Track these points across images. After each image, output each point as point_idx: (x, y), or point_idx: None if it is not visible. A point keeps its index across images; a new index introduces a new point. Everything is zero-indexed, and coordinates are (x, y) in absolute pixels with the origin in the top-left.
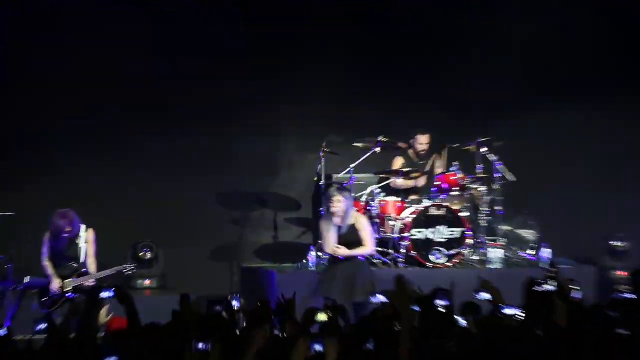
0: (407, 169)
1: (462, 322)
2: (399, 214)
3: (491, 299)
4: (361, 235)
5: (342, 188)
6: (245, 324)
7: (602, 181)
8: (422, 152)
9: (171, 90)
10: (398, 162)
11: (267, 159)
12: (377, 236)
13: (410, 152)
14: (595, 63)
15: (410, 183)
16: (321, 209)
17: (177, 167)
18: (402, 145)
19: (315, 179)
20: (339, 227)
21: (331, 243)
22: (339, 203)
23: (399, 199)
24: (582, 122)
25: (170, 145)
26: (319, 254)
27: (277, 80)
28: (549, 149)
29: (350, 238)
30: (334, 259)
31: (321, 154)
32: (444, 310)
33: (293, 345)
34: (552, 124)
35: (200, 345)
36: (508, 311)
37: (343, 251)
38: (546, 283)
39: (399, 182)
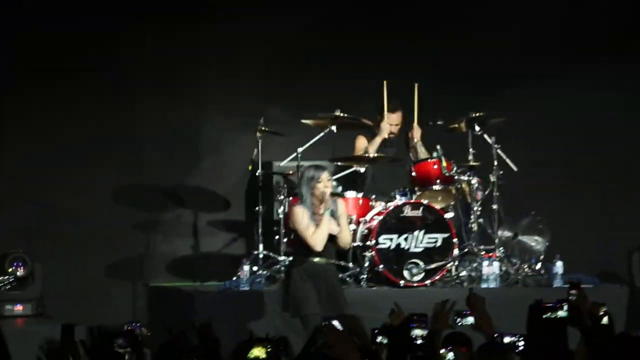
0: (376, 154)
1: (450, 357)
2: (362, 215)
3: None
4: (341, 223)
5: (318, 165)
6: None
7: (637, 174)
8: (391, 135)
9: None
10: (362, 143)
11: (183, 143)
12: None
13: (377, 129)
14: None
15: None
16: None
17: (59, 155)
18: (366, 122)
19: (250, 167)
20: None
21: (323, 237)
22: (329, 182)
23: (361, 196)
24: (613, 88)
25: (48, 125)
26: (285, 258)
27: (196, 35)
28: (565, 129)
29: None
30: (310, 267)
31: (257, 135)
32: (421, 342)
33: None
34: (570, 95)
35: None
36: (506, 339)
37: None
38: (560, 308)
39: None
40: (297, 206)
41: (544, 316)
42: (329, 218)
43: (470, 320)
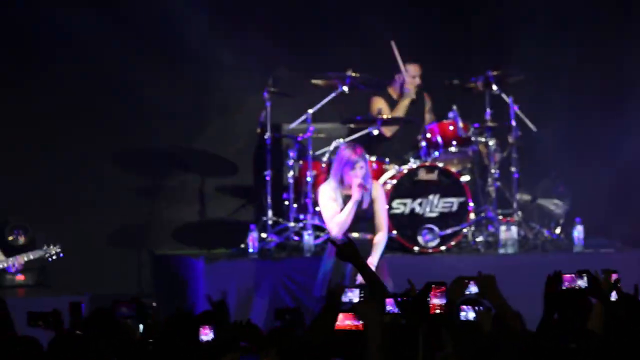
0: (391, 115)
1: (468, 314)
2: (375, 179)
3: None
4: (377, 210)
5: (354, 144)
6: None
7: None
8: (415, 88)
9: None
10: (377, 104)
11: (188, 105)
12: None
13: (392, 90)
14: None
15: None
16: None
17: (59, 119)
18: (394, 79)
19: (258, 130)
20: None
21: (342, 224)
22: (362, 170)
23: (375, 159)
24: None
25: (48, 89)
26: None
27: None
28: (588, 88)
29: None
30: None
31: (266, 96)
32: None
33: None
34: (593, 53)
35: None
36: None
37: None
38: (580, 277)
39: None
40: (325, 185)
41: (563, 287)
42: (354, 206)
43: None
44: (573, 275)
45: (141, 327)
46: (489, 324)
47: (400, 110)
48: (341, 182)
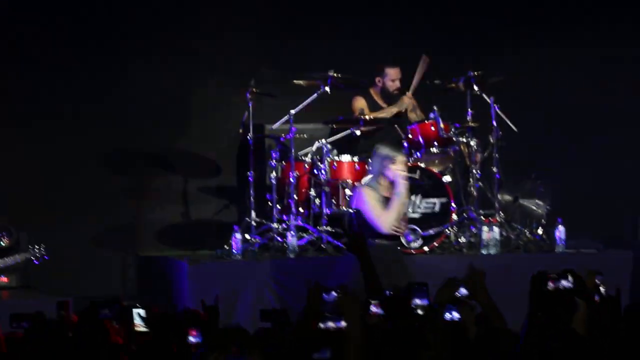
0: (372, 115)
1: (452, 315)
2: (356, 180)
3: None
4: (392, 203)
5: (395, 146)
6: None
7: None
8: (394, 91)
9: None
10: (359, 104)
11: (171, 105)
12: (327, 210)
13: (373, 91)
14: None
15: (393, 110)
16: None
17: (43, 121)
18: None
19: (241, 130)
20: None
21: (392, 220)
22: (402, 163)
23: (357, 159)
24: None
25: (31, 90)
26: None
27: None
28: (566, 89)
29: None
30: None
31: (248, 97)
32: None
33: None
34: (571, 55)
35: None
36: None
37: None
38: (564, 277)
39: (382, 115)
40: (365, 186)
41: (548, 287)
42: (400, 201)
43: (464, 291)
44: (558, 274)
45: (139, 315)
46: (473, 324)
47: (386, 113)
48: (381, 179)
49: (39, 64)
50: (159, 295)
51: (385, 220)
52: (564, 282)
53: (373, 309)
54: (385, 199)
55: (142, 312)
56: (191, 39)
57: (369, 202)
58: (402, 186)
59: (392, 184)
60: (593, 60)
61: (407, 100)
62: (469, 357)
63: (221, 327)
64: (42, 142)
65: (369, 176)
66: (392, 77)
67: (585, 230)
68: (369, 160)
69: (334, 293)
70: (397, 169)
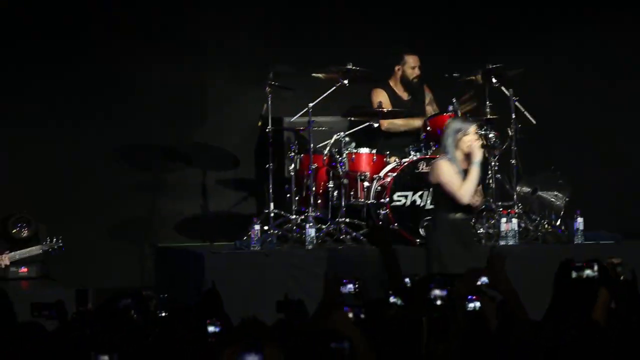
0: (393, 109)
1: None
2: (375, 172)
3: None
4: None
5: (466, 119)
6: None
7: None
8: (414, 79)
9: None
10: (378, 97)
11: (189, 98)
12: (345, 202)
13: (392, 81)
14: None
15: (415, 123)
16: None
17: (62, 116)
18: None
19: (260, 123)
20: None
21: (472, 190)
22: (476, 134)
23: (375, 152)
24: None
25: (50, 82)
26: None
27: None
28: (587, 80)
29: None
30: (455, 222)
31: (267, 90)
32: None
33: None
34: (594, 44)
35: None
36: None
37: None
38: (590, 267)
39: (398, 122)
40: (442, 159)
41: (573, 275)
42: (477, 170)
43: (485, 281)
44: (583, 263)
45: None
46: (494, 315)
47: (403, 123)
48: (455, 152)
49: (53, 58)
50: (178, 286)
51: (465, 191)
52: (588, 271)
53: (392, 299)
54: (464, 171)
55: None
56: (208, 31)
57: (448, 175)
58: (478, 156)
59: (467, 155)
60: (611, 53)
61: (426, 91)
62: (490, 347)
63: (239, 319)
64: (62, 137)
65: (444, 150)
66: (411, 64)
67: (604, 221)
68: (443, 136)
69: (351, 285)
70: (471, 140)
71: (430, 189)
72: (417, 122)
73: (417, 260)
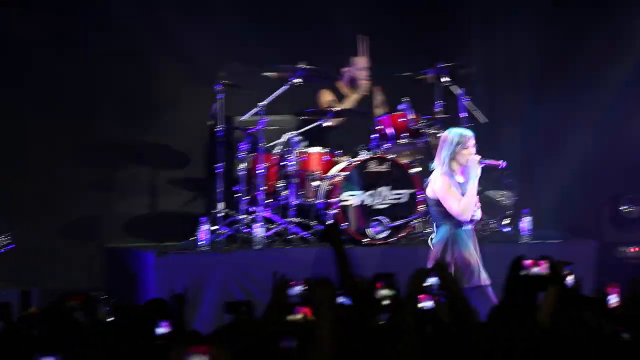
0: (341, 107)
1: (427, 304)
2: (325, 172)
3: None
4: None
5: (466, 130)
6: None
7: (605, 120)
8: (363, 81)
9: None
10: (325, 97)
11: (140, 97)
12: (295, 202)
13: (341, 83)
14: None
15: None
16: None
17: (10, 111)
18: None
19: (210, 122)
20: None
21: (471, 206)
22: (474, 147)
23: (327, 150)
24: (579, 35)
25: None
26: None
27: None
28: (538, 80)
29: None
30: (460, 236)
31: (218, 88)
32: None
33: None
34: (536, 43)
35: None
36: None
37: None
38: (540, 264)
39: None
40: (437, 174)
41: (522, 273)
42: (476, 184)
43: (433, 281)
44: (534, 261)
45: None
46: (445, 314)
47: (350, 103)
48: (452, 164)
49: (14, 60)
50: (125, 286)
51: (464, 208)
52: (538, 269)
53: (341, 300)
54: (460, 185)
55: (109, 302)
56: (160, 30)
57: (445, 190)
58: (476, 170)
59: (465, 168)
60: (556, 50)
61: (376, 92)
62: (440, 347)
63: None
64: (10, 134)
65: (440, 163)
66: (359, 66)
67: (550, 221)
68: (438, 146)
69: (299, 287)
70: (470, 153)
71: (427, 203)
72: (355, 95)
73: (364, 260)
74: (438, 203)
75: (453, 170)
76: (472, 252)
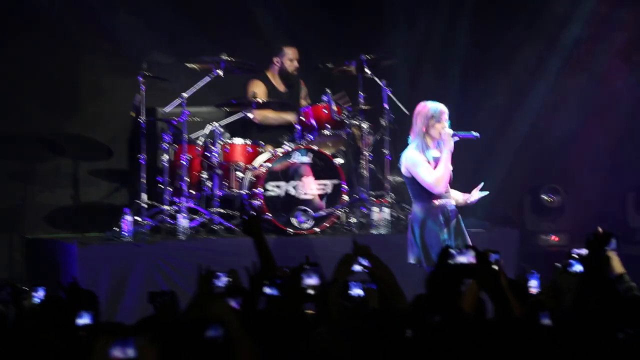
0: (267, 99)
1: (357, 292)
2: (248, 163)
3: (368, 270)
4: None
5: (439, 104)
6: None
7: (527, 110)
8: (292, 72)
9: None
10: (254, 88)
11: (62, 88)
12: (219, 193)
13: (271, 73)
14: None
15: (287, 117)
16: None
17: None
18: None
19: (133, 114)
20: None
21: (445, 178)
22: (447, 121)
23: (250, 142)
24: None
25: None
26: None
27: None
28: (462, 70)
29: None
30: (438, 211)
31: (140, 80)
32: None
33: None
34: (457, 34)
35: None
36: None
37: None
38: (467, 253)
39: (271, 116)
40: (410, 150)
41: (450, 262)
42: (449, 157)
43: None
44: (461, 249)
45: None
46: (375, 301)
47: (277, 118)
48: (426, 138)
49: None
50: (48, 277)
51: (437, 179)
52: (465, 257)
53: (267, 290)
54: (435, 159)
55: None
56: (83, 20)
57: (418, 164)
58: (450, 143)
59: (439, 143)
60: (477, 40)
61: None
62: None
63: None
64: None
65: (415, 134)
66: (290, 56)
67: (473, 210)
68: (413, 120)
69: (224, 278)
70: (443, 127)
71: (404, 182)
72: (290, 117)
73: (289, 250)
74: (413, 180)
75: (427, 145)
76: (446, 232)
